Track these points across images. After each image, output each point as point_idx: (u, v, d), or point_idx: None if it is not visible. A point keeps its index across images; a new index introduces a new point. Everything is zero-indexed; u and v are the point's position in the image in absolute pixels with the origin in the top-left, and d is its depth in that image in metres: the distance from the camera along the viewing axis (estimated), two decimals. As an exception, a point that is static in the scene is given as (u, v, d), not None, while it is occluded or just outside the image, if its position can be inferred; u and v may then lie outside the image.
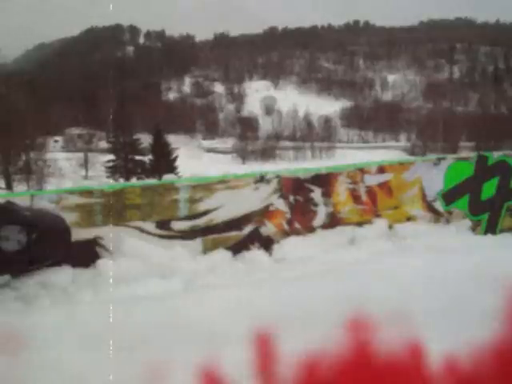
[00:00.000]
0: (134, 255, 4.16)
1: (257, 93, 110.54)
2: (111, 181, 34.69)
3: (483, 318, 0.65)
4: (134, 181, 35.33)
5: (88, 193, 4.54)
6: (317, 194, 5.23)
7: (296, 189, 5.19)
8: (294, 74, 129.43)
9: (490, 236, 5.52)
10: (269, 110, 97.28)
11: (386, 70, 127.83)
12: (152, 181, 7.64)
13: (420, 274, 1.26)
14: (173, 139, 44.25)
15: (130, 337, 0.63)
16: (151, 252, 4.33)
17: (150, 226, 4.67)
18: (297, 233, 5.12)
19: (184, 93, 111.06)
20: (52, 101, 58.21)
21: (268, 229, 5.06)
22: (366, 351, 0.52)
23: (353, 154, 58.44)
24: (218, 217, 4.90)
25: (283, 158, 62.32)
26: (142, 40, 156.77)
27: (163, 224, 4.73)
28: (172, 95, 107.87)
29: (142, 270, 3.38)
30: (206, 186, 4.92)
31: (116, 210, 4.57)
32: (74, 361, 0.56)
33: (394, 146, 68.93)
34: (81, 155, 36.39)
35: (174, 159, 36.91)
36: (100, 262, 4.27)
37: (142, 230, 4.63)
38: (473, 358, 0.52)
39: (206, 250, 4.79)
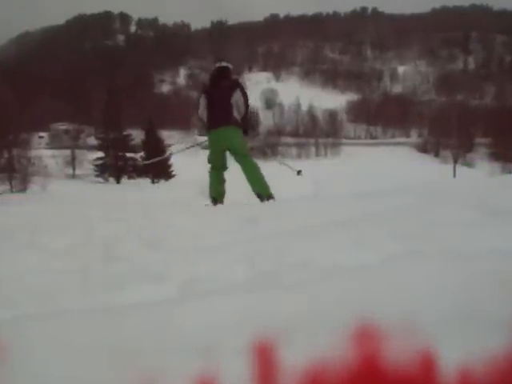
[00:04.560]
0: (127, 258, 4.15)
1: (257, 85, 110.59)
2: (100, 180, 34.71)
3: (501, 327, 0.64)
4: (124, 179, 35.38)
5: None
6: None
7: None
8: (296, 64, 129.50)
9: None
10: (270, 103, 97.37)
11: (396, 60, 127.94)
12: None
13: (433, 278, 1.27)
14: (166, 135, 44.26)
15: (122, 346, 0.62)
16: (144, 255, 4.32)
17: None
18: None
19: (178, 85, 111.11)
20: (36, 94, 58.24)
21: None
22: (374, 362, 0.53)
23: (360, 151, 58.48)
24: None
25: (285, 155, 62.40)
26: (133, 28, 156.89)
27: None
28: (165, 87, 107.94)
29: (136, 274, 3.39)
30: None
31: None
32: (63, 371, 0.55)
33: (405, 142, 68.94)
34: (68, 152, 36.36)
35: (168, 156, 36.95)
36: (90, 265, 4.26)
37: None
38: (489, 370, 0.52)
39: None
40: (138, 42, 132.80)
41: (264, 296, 0.97)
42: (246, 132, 4.94)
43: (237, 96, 4.71)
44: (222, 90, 4.75)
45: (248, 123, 5.04)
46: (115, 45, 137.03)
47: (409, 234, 1.94)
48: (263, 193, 4.64)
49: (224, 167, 4.92)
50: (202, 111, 4.84)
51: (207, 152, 4.94)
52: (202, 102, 4.84)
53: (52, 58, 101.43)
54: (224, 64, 4.99)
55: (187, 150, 7.01)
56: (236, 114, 4.74)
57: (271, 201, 4.44)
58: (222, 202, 4.85)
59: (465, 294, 0.89)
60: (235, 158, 4.86)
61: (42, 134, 50.09)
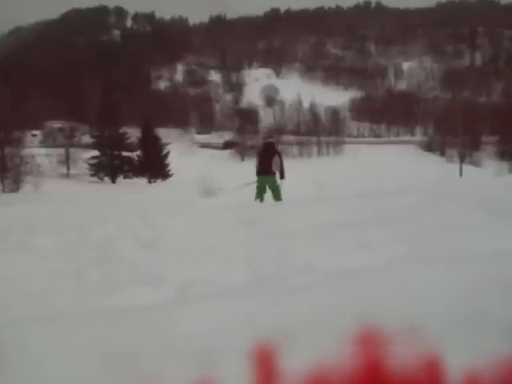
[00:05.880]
0: (123, 260, 4.16)
1: (257, 82, 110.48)
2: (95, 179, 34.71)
3: (506, 328, 0.64)
4: (120, 179, 35.38)
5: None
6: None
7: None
8: (297, 60, 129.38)
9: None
10: (270, 100, 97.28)
11: (400, 56, 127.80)
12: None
13: (437, 280, 1.28)
14: (163, 133, 44.26)
15: (120, 349, 0.62)
16: (141, 256, 4.33)
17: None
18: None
19: (176, 82, 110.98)
20: (29, 91, 58.20)
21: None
22: (378, 365, 0.53)
23: (363, 150, 58.48)
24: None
25: (286, 154, 62.44)
26: (129, 23, 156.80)
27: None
28: (163, 84, 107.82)
29: (132, 276, 3.38)
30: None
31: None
32: (59, 373, 0.55)
33: (409, 140, 68.91)
34: (62, 151, 36.31)
35: (165, 155, 36.95)
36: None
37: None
38: (496, 375, 0.52)
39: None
40: (135, 37, 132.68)
41: (264, 299, 0.97)
42: (281, 177, 8.80)
43: (276, 159, 8.74)
44: (268, 155, 8.80)
45: (283, 172, 8.86)
46: (111, 40, 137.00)
47: (412, 236, 1.95)
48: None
49: (264, 191, 8.73)
50: (258, 165, 8.88)
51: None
52: (257, 160, 8.98)
53: (46, 54, 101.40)
54: (270, 140, 9.45)
55: (240, 187, 10.63)
56: (274, 167, 8.69)
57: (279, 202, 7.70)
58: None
59: (469, 295, 0.89)
60: (270, 189, 8.73)
61: (35, 132, 50.03)
